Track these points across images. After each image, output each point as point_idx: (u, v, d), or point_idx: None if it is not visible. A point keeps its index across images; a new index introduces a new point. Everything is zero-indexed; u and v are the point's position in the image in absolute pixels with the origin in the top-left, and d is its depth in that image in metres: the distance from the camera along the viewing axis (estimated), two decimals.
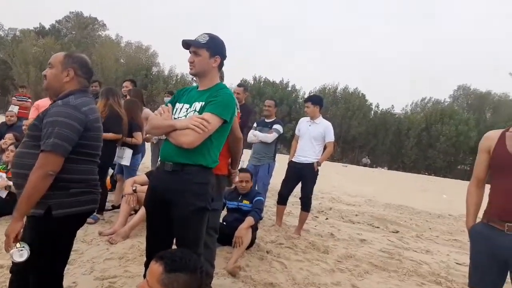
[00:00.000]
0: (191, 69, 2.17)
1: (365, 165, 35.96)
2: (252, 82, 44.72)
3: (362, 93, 43.19)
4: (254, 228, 3.99)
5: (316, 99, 5.18)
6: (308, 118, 5.15)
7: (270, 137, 5.24)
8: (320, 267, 3.89)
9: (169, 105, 2.21)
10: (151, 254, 2.17)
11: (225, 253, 3.78)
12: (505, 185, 2.19)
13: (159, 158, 2.25)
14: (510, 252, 2.12)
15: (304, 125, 5.17)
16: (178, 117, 2.14)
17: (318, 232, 5.42)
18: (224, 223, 4.11)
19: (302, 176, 5.02)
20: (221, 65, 2.21)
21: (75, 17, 47.19)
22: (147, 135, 5.34)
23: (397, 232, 6.36)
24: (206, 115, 2.01)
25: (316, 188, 9.96)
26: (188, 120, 1.99)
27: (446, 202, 12.46)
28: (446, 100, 49.82)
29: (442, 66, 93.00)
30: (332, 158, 38.92)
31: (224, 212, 4.25)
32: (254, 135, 5.29)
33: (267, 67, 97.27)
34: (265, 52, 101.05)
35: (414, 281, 3.99)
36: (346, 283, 3.58)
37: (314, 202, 8.09)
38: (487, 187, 2.36)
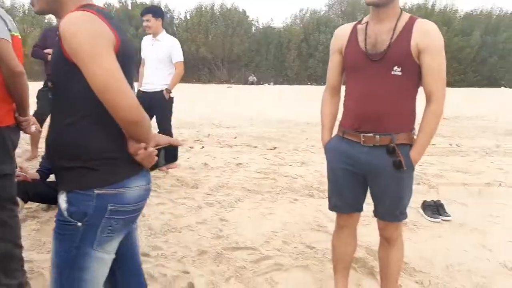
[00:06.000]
0: None
1: (251, 83, 36.21)
2: (118, 6, 39.55)
3: (242, 9, 41.90)
4: None
5: (157, 10, 4.29)
6: (150, 36, 4.29)
7: None
8: (185, 207, 3.43)
9: None
10: None
11: None
12: (359, 89, 1.81)
13: None
14: (368, 167, 1.82)
15: (147, 45, 4.31)
16: None
17: (190, 164, 4.94)
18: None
19: (153, 107, 4.19)
20: None
21: None
22: None
23: (275, 148, 6.24)
24: None
25: (195, 115, 9.49)
26: None
27: None
28: (322, 9, 51.28)
29: None
30: (219, 80, 38.30)
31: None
32: None
33: None
34: None
35: (288, 199, 3.83)
36: (213, 218, 3.20)
37: (191, 130, 7.56)
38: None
